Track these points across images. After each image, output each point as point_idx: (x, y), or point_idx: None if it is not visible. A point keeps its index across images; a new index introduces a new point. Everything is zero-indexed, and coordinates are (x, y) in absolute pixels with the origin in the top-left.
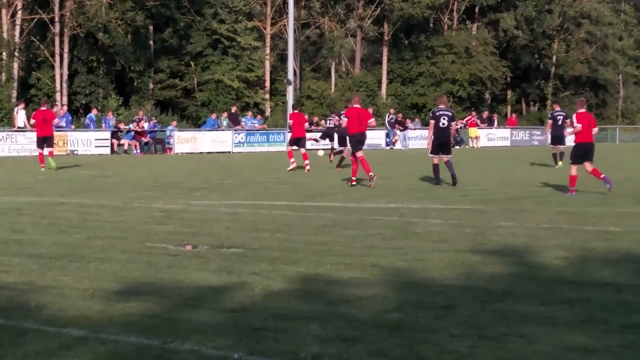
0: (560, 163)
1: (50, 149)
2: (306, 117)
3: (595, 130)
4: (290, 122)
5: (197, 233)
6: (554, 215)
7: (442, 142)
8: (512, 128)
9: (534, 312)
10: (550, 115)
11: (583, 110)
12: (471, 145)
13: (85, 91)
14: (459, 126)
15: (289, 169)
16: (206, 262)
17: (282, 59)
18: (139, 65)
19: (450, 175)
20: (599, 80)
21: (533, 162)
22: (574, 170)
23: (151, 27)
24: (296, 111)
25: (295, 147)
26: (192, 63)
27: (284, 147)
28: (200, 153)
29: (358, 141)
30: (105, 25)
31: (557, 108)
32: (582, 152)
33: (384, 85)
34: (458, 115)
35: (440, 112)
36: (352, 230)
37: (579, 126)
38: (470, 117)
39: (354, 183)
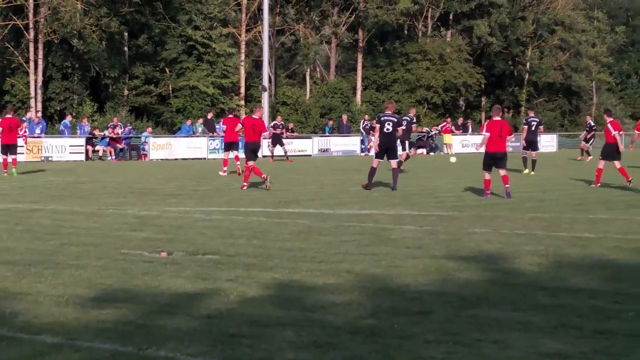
0: (526, 171)
1: (13, 157)
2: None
3: (509, 138)
4: (223, 127)
5: (173, 239)
6: (527, 221)
7: (388, 147)
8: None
9: (508, 318)
10: (525, 121)
11: (497, 118)
12: (446, 152)
13: (59, 97)
14: (433, 132)
15: (221, 173)
16: (181, 269)
17: (257, 65)
18: (113, 72)
19: (393, 181)
20: (573, 87)
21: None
22: (487, 175)
23: (126, 34)
24: (230, 116)
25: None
26: (167, 69)
27: (259, 154)
28: (176, 159)
29: (251, 151)
30: (79, 32)
31: (532, 114)
32: (491, 161)
33: (358, 92)
34: (432, 122)
35: (385, 118)
36: (327, 236)
37: (486, 135)
38: (445, 123)
39: (245, 188)
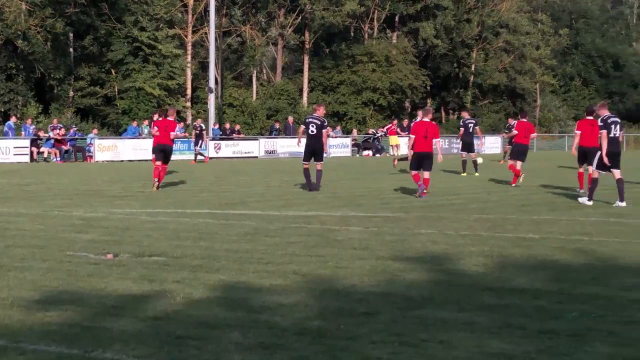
0: (464, 174)
1: None
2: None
3: (436, 140)
4: (155, 129)
5: (118, 241)
6: (472, 222)
7: (312, 149)
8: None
9: (453, 318)
10: (461, 123)
11: (426, 119)
12: (392, 154)
13: (4, 99)
14: (379, 134)
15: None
16: (127, 271)
17: (204, 66)
18: (58, 73)
19: (316, 181)
20: (517, 89)
21: (445, 169)
22: (414, 171)
23: (71, 35)
24: (162, 118)
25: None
26: (112, 71)
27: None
28: (121, 161)
29: (160, 151)
30: (24, 32)
31: (467, 116)
32: (418, 161)
33: (305, 94)
34: (378, 124)
35: (310, 120)
36: (273, 238)
37: (412, 137)
38: (390, 125)
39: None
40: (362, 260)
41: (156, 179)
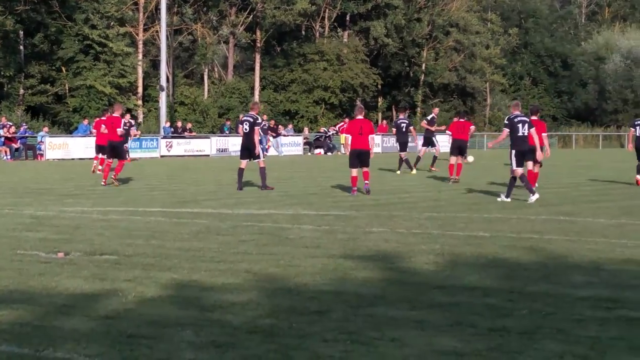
0: (413, 172)
1: None
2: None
3: (371, 136)
4: (102, 127)
5: (70, 240)
6: (424, 220)
7: (246, 147)
8: (382, 135)
9: (404, 316)
10: (394, 123)
11: (359, 117)
12: (343, 152)
13: None
14: (330, 132)
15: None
16: (79, 269)
17: (155, 65)
18: (8, 71)
19: (261, 181)
20: (467, 88)
21: (381, 168)
22: (354, 172)
23: (21, 32)
24: (107, 115)
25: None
26: (63, 68)
27: (156, 154)
28: (72, 159)
29: (109, 147)
30: None
31: (402, 116)
32: (356, 159)
33: (256, 92)
34: (330, 122)
35: (244, 118)
36: (225, 236)
37: (348, 136)
38: (342, 123)
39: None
40: (314, 258)
41: (104, 177)
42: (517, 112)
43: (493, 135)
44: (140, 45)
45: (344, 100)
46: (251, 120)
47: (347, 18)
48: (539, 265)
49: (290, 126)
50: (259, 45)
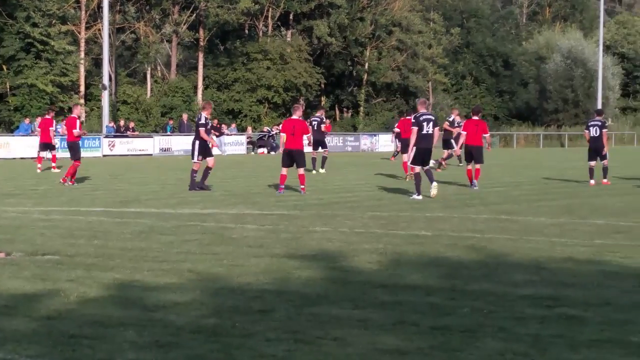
0: (315, 172)
1: None
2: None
3: (306, 136)
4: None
5: (11, 240)
6: (367, 220)
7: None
8: (326, 134)
9: (347, 315)
10: (308, 121)
11: (295, 116)
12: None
13: None
14: (274, 132)
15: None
16: (20, 270)
17: (97, 63)
18: None
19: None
20: (410, 88)
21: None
22: (284, 171)
23: None
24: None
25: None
26: (4, 67)
27: (99, 153)
28: (14, 159)
29: (71, 147)
30: None
31: (317, 114)
32: (289, 159)
33: (199, 91)
34: (273, 122)
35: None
36: (168, 236)
37: (282, 135)
38: None
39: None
40: (258, 258)
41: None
42: (424, 110)
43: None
44: (83, 44)
45: (288, 100)
46: (196, 120)
47: (291, 17)
48: (481, 264)
49: (233, 125)
50: (202, 44)
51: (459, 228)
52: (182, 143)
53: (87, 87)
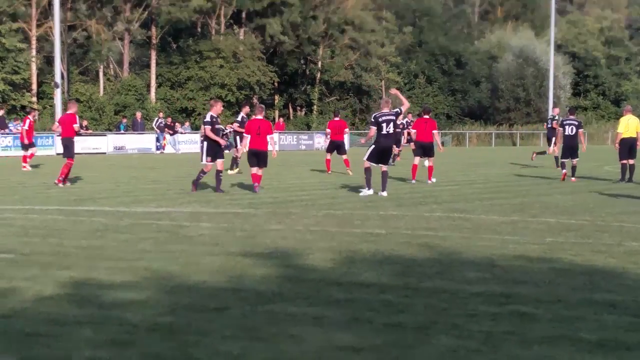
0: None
1: None
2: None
3: (270, 136)
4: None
5: None
6: (321, 218)
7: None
8: (279, 133)
9: (302, 312)
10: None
11: (259, 117)
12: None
13: None
14: (227, 131)
15: None
16: None
17: (49, 61)
18: None
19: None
20: (363, 86)
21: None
22: (254, 170)
23: None
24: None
25: None
26: None
27: (52, 151)
28: None
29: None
30: None
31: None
32: (254, 158)
33: (152, 89)
34: (227, 120)
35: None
36: (124, 234)
37: (246, 135)
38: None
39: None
40: (213, 256)
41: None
42: (386, 110)
43: None
44: (34, 41)
45: (241, 98)
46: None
47: (243, 15)
48: (434, 262)
49: (187, 124)
50: (154, 42)
51: (413, 226)
52: (136, 141)
53: (39, 85)
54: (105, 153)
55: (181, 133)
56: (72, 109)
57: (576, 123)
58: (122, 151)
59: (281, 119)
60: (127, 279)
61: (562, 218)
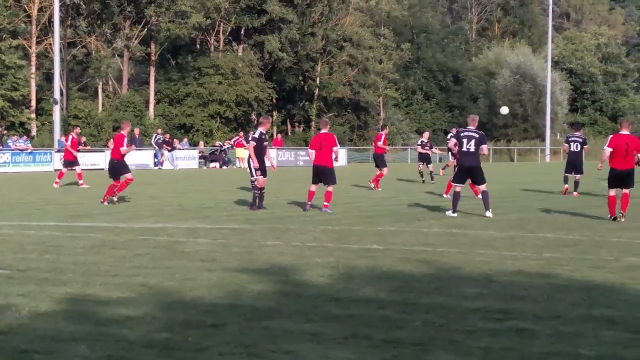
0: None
1: None
2: None
3: (335, 149)
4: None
5: None
6: (319, 234)
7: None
8: (278, 149)
9: (300, 329)
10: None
11: (324, 131)
12: (239, 166)
13: None
14: (226, 146)
15: None
16: None
17: (48, 78)
18: None
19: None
20: (361, 102)
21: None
22: (313, 187)
23: None
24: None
25: None
26: None
27: (50, 167)
28: None
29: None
30: None
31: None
32: (315, 175)
33: (151, 106)
34: (225, 136)
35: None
36: (120, 250)
37: (312, 152)
38: (237, 137)
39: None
40: (210, 272)
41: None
42: (471, 127)
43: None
44: (34, 58)
45: (239, 114)
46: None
47: (242, 32)
48: (432, 277)
49: (185, 140)
50: (153, 58)
51: (411, 242)
52: (133, 157)
53: (38, 101)
54: (103, 169)
55: (179, 149)
56: (125, 129)
57: (581, 140)
58: None
59: (279, 135)
60: (123, 295)
61: (559, 233)
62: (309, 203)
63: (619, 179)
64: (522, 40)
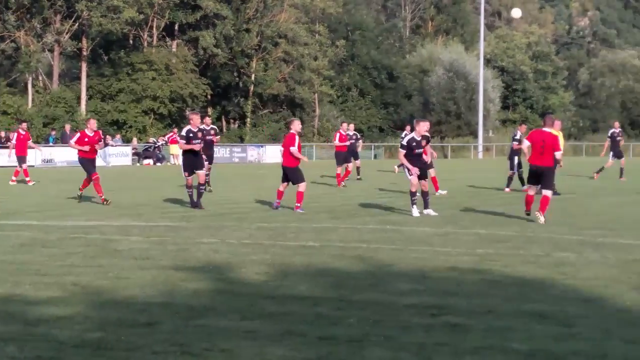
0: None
1: None
2: None
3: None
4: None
5: None
6: (254, 231)
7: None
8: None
9: (235, 326)
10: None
11: (545, 129)
12: (173, 162)
13: None
14: (159, 143)
15: None
16: None
17: None
18: None
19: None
20: (296, 99)
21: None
22: (281, 187)
23: None
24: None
25: None
26: None
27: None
28: None
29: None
30: None
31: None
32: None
33: (83, 101)
34: (159, 133)
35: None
36: (51, 248)
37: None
38: (171, 134)
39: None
40: (144, 270)
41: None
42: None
43: (322, 145)
44: None
45: (174, 111)
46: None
47: (176, 28)
48: (367, 274)
49: (118, 136)
50: (85, 53)
51: (346, 238)
52: (65, 154)
53: None
54: (33, 166)
55: (112, 146)
56: (91, 125)
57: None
58: (50, 164)
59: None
60: (54, 295)
61: (492, 229)
62: (278, 201)
63: (535, 175)
64: (455, 38)
